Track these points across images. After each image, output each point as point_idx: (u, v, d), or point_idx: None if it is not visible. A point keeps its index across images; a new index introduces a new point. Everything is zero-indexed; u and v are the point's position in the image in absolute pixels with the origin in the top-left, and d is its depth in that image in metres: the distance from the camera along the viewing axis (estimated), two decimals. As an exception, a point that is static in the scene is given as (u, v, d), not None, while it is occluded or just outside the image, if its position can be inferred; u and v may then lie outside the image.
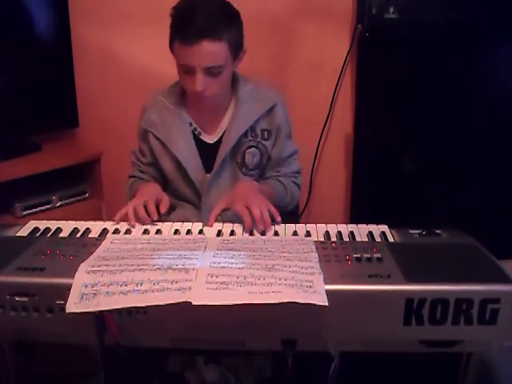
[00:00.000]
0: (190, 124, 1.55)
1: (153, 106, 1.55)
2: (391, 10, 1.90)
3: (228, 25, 1.37)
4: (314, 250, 1.12)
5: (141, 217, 1.32)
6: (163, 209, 1.37)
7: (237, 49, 1.42)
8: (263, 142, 1.55)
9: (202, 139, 1.55)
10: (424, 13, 1.92)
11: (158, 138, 1.53)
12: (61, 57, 2.14)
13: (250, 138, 1.53)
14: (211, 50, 1.34)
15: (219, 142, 1.54)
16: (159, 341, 1.06)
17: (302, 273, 1.02)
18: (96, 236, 1.26)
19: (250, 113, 1.52)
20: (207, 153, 1.54)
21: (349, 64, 2.16)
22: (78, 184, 2.18)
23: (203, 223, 1.34)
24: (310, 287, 0.97)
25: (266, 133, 1.54)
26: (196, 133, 1.55)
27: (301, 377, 1.07)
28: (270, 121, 1.54)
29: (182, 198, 1.57)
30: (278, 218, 1.32)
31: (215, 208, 1.37)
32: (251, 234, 1.28)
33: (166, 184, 1.63)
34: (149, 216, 1.33)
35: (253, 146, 1.54)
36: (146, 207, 1.34)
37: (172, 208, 1.59)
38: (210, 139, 1.55)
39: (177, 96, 1.54)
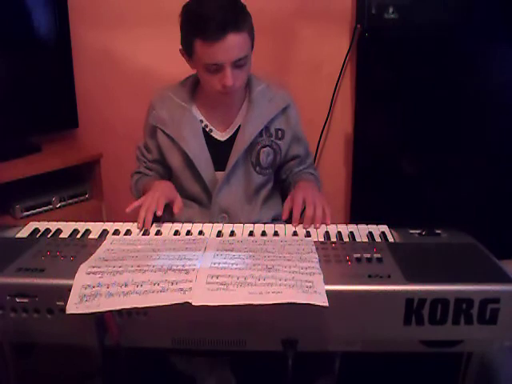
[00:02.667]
0: (201, 121, 1.54)
1: (161, 102, 1.54)
2: (391, 10, 1.90)
3: (245, 14, 1.39)
4: (314, 250, 1.12)
5: (147, 219, 1.31)
6: (176, 210, 1.37)
7: (253, 37, 1.43)
8: (277, 141, 1.55)
9: (212, 136, 1.54)
10: (423, 13, 1.92)
11: (167, 135, 1.52)
12: (60, 58, 2.14)
13: (265, 137, 1.53)
14: (237, 42, 1.35)
15: (231, 139, 1.53)
16: (160, 341, 1.06)
17: (302, 273, 1.02)
18: (96, 237, 1.26)
19: (265, 112, 1.52)
20: (218, 150, 1.53)
21: (348, 64, 2.16)
22: (78, 185, 2.18)
23: (220, 216, 1.39)
24: (310, 287, 0.97)
25: (280, 132, 1.55)
26: (207, 130, 1.54)
27: (302, 377, 1.07)
28: (284, 121, 1.55)
29: (190, 196, 1.57)
30: (328, 222, 1.32)
31: (286, 203, 1.39)
32: (251, 234, 1.28)
33: (171, 181, 1.62)
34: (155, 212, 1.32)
35: (267, 146, 1.54)
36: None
37: None
38: (221, 136, 1.55)
39: (187, 93, 1.53)
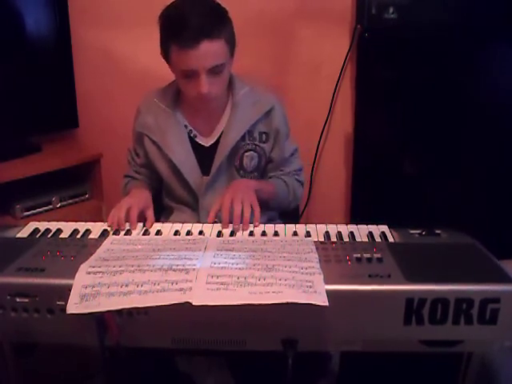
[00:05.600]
0: (186, 126, 1.54)
1: (147, 108, 1.54)
2: (391, 10, 1.90)
3: (222, 21, 1.37)
4: (314, 250, 1.12)
5: (118, 220, 1.31)
6: (149, 225, 1.34)
7: (233, 45, 1.41)
8: (261, 144, 1.54)
9: (197, 142, 1.54)
10: (423, 13, 1.92)
11: (153, 141, 1.52)
12: (61, 58, 2.14)
13: (248, 142, 1.52)
14: (212, 50, 1.33)
15: (215, 144, 1.53)
16: (160, 341, 1.06)
17: (302, 273, 1.02)
18: (96, 237, 1.26)
19: (248, 116, 1.51)
20: (203, 155, 1.53)
21: (348, 64, 2.16)
22: (78, 185, 2.18)
23: (203, 223, 1.35)
24: (311, 287, 0.98)
25: (264, 135, 1.54)
26: (192, 135, 1.54)
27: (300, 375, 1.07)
28: (268, 124, 1.53)
29: (179, 200, 1.57)
30: (257, 223, 1.31)
31: (214, 205, 1.37)
32: (251, 234, 1.28)
33: (161, 185, 1.63)
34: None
35: (250, 150, 1.53)
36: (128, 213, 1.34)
37: (169, 212, 1.59)
38: (206, 142, 1.54)
39: (171, 98, 1.53)
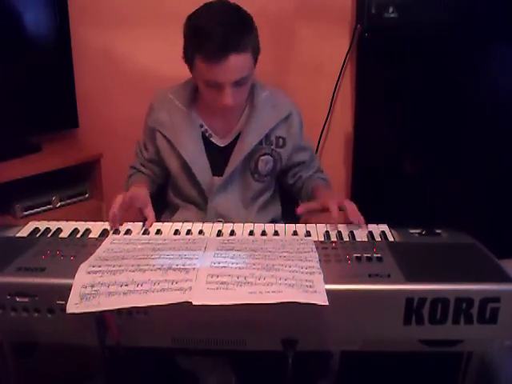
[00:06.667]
0: (201, 126, 1.52)
1: (161, 104, 1.53)
2: (391, 9, 1.90)
3: (249, 32, 1.34)
4: (314, 249, 1.12)
5: (111, 216, 1.30)
6: (148, 225, 1.33)
7: (257, 53, 1.39)
8: (278, 149, 1.52)
9: (212, 141, 1.53)
10: (423, 13, 1.92)
11: (165, 137, 1.51)
12: (60, 57, 2.14)
13: (265, 146, 1.51)
14: (239, 63, 1.31)
15: (230, 145, 1.52)
16: (160, 341, 1.06)
17: (302, 272, 1.02)
18: (96, 236, 1.26)
19: (266, 120, 1.49)
20: (217, 155, 1.52)
21: (348, 64, 2.16)
22: (78, 184, 2.18)
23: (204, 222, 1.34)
24: (310, 287, 0.98)
25: (281, 140, 1.52)
26: (207, 135, 1.52)
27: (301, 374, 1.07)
28: (286, 129, 1.52)
29: (186, 198, 1.57)
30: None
31: (312, 203, 1.39)
32: (251, 233, 1.28)
33: (166, 181, 1.63)
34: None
35: (267, 154, 1.52)
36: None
37: (174, 209, 1.59)
38: (221, 142, 1.53)
39: (187, 97, 1.51)
